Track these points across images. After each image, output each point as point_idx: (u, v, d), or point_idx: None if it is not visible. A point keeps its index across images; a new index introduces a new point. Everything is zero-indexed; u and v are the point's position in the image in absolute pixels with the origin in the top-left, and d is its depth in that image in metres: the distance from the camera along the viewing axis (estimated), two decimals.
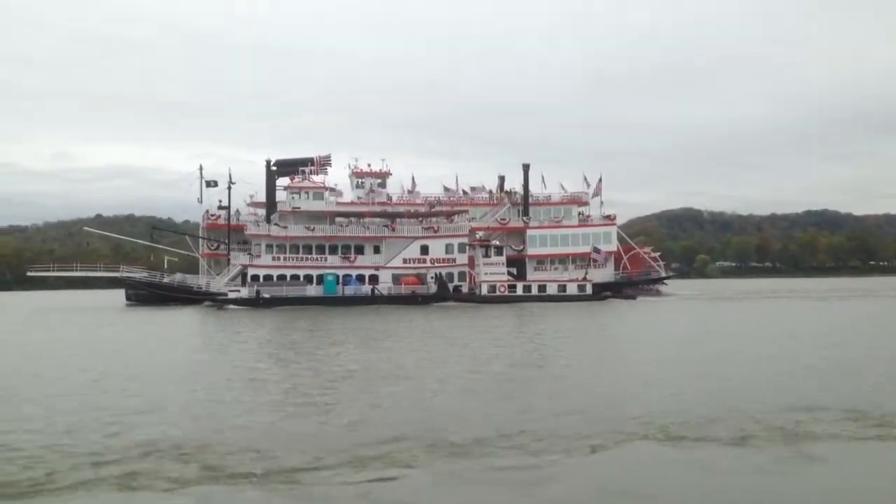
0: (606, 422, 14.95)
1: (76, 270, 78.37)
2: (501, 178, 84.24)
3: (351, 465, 12.03)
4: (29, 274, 79.25)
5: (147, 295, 72.82)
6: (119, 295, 77.60)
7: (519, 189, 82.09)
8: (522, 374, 22.45)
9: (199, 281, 73.89)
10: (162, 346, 32.77)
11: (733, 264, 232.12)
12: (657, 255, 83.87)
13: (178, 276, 74.92)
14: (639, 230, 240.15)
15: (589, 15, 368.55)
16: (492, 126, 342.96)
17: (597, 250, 75.18)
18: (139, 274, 74.56)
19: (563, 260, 79.35)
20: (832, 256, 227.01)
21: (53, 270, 78.11)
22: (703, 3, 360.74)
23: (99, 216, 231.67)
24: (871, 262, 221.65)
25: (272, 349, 30.46)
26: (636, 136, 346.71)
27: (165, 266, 75.74)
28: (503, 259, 72.54)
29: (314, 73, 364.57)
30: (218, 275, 73.15)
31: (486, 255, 71.87)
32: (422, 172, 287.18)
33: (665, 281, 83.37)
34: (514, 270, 76.93)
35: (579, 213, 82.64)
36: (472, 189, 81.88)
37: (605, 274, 78.90)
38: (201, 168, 76.59)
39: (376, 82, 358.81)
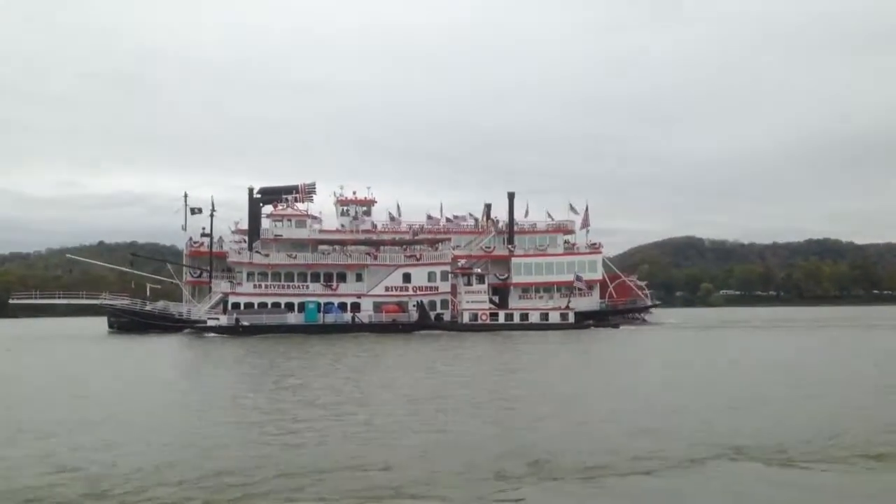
0: (701, 443, 15.24)
1: (58, 298, 78.37)
2: (488, 206, 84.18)
3: (465, 485, 12.32)
4: (11, 301, 79.31)
5: (129, 322, 72.59)
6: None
7: (505, 217, 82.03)
8: (571, 398, 22.89)
9: (182, 308, 73.60)
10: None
11: (737, 293, 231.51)
12: (644, 283, 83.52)
13: (161, 304, 74.74)
14: (643, 258, 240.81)
15: (591, 47, 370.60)
16: (491, 155, 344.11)
17: (579, 278, 74.71)
18: (118, 302, 74.33)
19: (548, 288, 78.96)
20: (836, 285, 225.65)
21: (36, 298, 78.09)
22: (704, 35, 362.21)
23: (102, 243, 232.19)
24: (875, 291, 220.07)
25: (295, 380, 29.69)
26: (637, 166, 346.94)
27: (148, 293, 75.58)
28: (485, 287, 72.23)
29: (321, 106, 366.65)
30: (200, 302, 73.02)
31: (468, 284, 71.59)
32: (424, 201, 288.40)
33: (651, 309, 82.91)
34: (497, 298, 76.61)
35: (565, 242, 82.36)
36: (455, 217, 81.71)
37: (590, 302, 78.52)
38: (186, 196, 76.83)
39: (380, 113, 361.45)
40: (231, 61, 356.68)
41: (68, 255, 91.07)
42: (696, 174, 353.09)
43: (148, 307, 73.54)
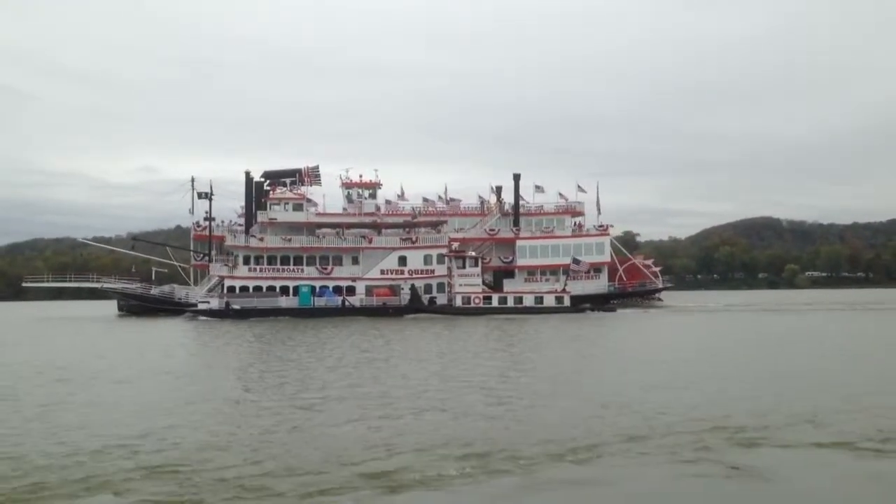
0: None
1: (70, 281, 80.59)
2: (498, 189, 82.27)
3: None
4: (24, 285, 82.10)
5: (136, 306, 74.21)
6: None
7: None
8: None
9: (182, 292, 74.72)
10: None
11: (823, 274, 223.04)
12: (652, 263, 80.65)
13: (167, 287, 76.02)
14: (723, 239, 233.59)
15: (666, 28, 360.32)
16: (556, 137, 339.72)
17: (576, 261, 72.47)
18: (118, 285, 75.95)
19: (554, 271, 76.91)
20: None
21: (48, 281, 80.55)
22: (781, 15, 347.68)
23: (178, 227, 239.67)
24: None
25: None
26: (712, 146, 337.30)
27: (153, 277, 77.06)
28: (478, 270, 70.81)
29: (392, 91, 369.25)
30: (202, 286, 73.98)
31: (462, 267, 70.33)
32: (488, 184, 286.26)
33: (662, 292, 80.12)
34: (492, 282, 75.16)
35: (575, 223, 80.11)
36: (452, 200, 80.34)
37: (597, 285, 76.34)
38: (193, 180, 78.10)
39: (449, 98, 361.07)
40: (308, 48, 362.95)
41: (82, 239, 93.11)
42: (772, 155, 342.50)
43: (153, 291, 74.89)
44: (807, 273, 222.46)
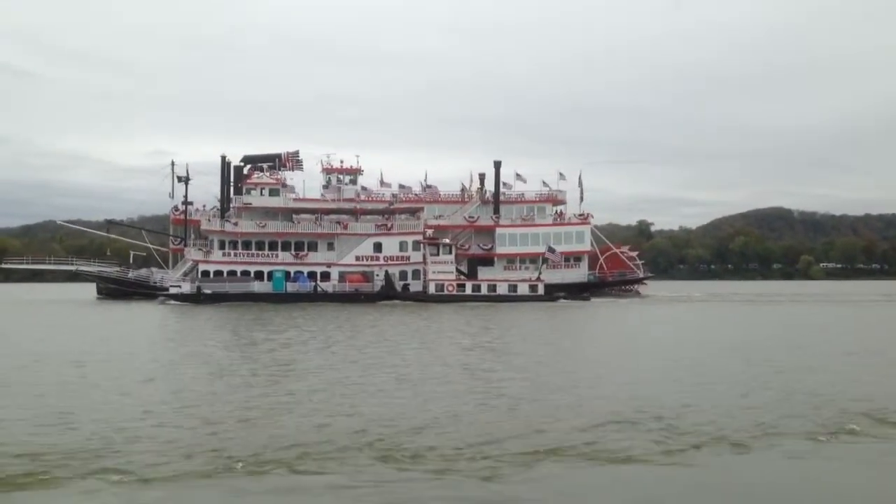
0: None
1: (49, 263, 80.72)
2: (481, 176, 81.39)
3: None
4: (3, 266, 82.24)
5: (115, 289, 74.13)
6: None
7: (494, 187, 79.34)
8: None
9: (158, 276, 74.56)
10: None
11: (838, 265, 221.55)
12: (635, 255, 79.68)
13: (143, 271, 75.89)
14: (735, 230, 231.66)
15: (681, 20, 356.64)
16: (571, 125, 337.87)
17: (551, 250, 71.64)
18: (94, 268, 75.89)
19: (533, 259, 76.02)
20: None
21: (28, 263, 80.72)
22: (797, 5, 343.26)
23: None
24: None
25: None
26: (723, 136, 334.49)
27: (131, 260, 77.04)
28: (452, 258, 70.19)
29: (406, 78, 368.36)
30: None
31: (435, 254, 69.73)
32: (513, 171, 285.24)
33: (644, 282, 79.25)
34: (465, 270, 74.45)
35: (556, 212, 79.25)
36: (429, 187, 79.57)
37: (577, 274, 75.57)
38: (173, 163, 78.08)
39: (466, 85, 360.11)
40: (321, 33, 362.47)
41: (58, 221, 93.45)
42: (782, 144, 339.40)
43: (130, 274, 74.79)
44: (821, 264, 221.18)
